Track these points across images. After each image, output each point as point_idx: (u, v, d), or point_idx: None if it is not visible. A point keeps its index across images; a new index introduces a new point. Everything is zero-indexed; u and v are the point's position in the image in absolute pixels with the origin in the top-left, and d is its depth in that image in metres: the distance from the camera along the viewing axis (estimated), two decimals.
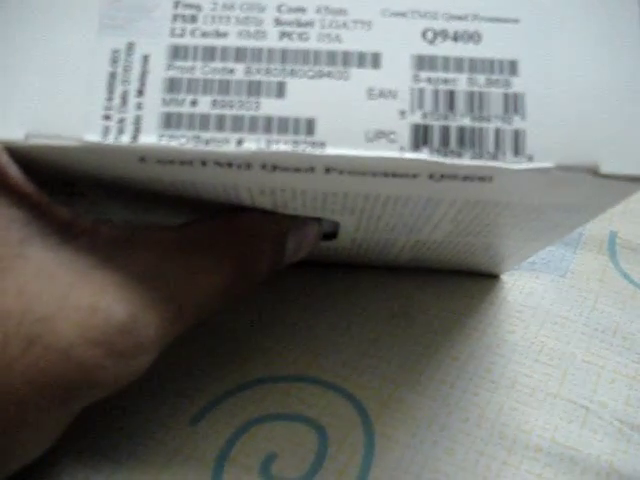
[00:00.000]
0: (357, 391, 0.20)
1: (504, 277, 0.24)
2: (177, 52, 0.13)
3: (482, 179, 0.13)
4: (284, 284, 0.23)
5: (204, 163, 0.13)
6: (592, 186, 0.13)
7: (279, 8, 0.13)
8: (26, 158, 0.13)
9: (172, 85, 0.13)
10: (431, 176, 0.13)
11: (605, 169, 0.12)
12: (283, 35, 0.13)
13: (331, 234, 0.20)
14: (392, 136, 0.13)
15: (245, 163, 0.13)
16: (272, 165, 0.13)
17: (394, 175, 0.13)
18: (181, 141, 0.13)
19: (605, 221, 0.26)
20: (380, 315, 0.22)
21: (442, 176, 0.13)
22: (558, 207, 0.15)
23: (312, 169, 0.13)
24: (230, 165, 0.13)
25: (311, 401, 0.20)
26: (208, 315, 0.15)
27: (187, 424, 0.19)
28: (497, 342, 0.22)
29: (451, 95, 0.13)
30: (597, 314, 0.23)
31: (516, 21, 0.13)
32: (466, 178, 0.13)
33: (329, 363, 0.21)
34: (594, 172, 0.12)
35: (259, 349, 0.21)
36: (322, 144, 0.13)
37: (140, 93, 0.13)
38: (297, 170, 0.13)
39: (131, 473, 0.17)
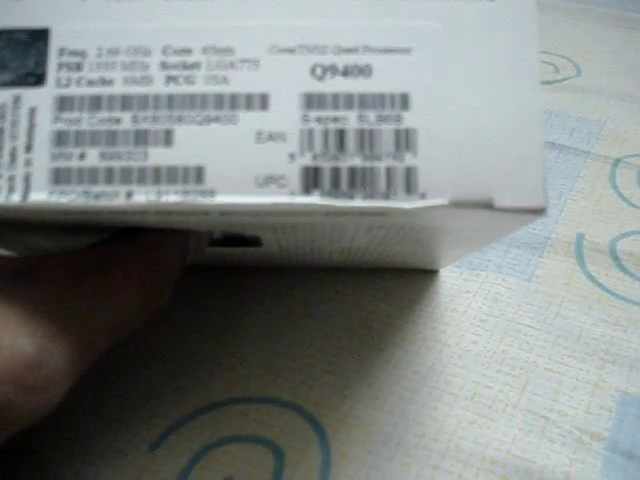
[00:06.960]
0: (315, 409, 0.20)
1: (469, 281, 0.24)
2: (63, 103, 0.13)
3: (378, 214, 0.13)
4: (241, 300, 0.23)
5: (98, 213, 0.13)
6: (489, 218, 0.13)
7: (165, 50, 0.13)
8: None
9: (60, 139, 0.13)
10: (327, 214, 0.13)
11: (499, 203, 0.12)
12: (169, 79, 0.13)
13: (256, 241, 0.20)
14: (282, 181, 0.12)
15: (139, 212, 0.13)
16: (166, 212, 0.13)
17: (289, 215, 0.13)
18: (71, 197, 0.12)
19: (573, 223, 0.26)
20: (341, 329, 0.23)
21: (337, 213, 0.13)
22: (463, 228, 0.15)
23: (206, 213, 0.13)
24: (125, 212, 0.13)
25: (269, 422, 0.20)
26: (124, 335, 0.15)
27: (146, 451, 0.19)
28: (459, 353, 0.22)
29: (341, 134, 0.13)
30: (561, 320, 0.23)
31: (408, 51, 0.13)
32: (362, 213, 0.13)
33: (289, 382, 0.21)
34: (489, 206, 0.12)
35: (219, 371, 0.21)
36: (212, 192, 0.12)
37: (29, 149, 0.13)
38: (192, 214, 0.13)
39: None
